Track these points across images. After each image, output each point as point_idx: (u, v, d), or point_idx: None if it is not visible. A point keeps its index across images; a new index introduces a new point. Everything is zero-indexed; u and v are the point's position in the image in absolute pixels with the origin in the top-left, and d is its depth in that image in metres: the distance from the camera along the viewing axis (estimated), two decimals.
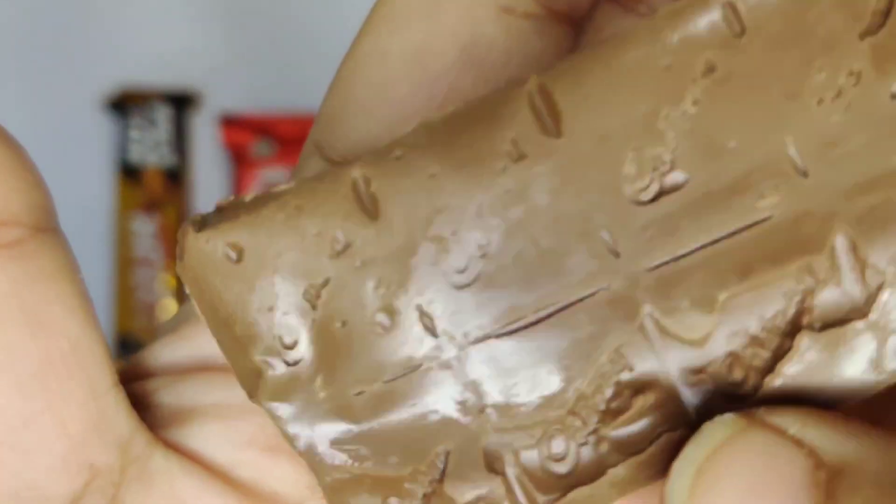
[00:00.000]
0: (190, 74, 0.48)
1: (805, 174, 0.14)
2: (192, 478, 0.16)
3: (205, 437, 0.17)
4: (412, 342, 0.15)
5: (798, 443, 0.13)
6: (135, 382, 0.17)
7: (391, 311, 0.15)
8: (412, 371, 0.15)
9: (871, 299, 0.14)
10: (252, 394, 0.15)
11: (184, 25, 0.48)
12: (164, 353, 0.17)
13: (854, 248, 0.14)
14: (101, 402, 0.16)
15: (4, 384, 0.15)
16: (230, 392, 0.17)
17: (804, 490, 0.13)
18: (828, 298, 0.14)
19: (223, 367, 0.17)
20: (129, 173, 0.48)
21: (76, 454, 0.15)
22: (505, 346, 0.15)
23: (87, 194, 0.49)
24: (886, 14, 0.14)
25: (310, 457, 0.15)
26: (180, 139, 0.49)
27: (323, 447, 0.15)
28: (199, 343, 0.17)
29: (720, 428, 0.14)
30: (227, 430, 0.17)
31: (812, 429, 0.13)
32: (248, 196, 0.15)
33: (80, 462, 0.15)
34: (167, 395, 0.17)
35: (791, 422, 0.14)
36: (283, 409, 0.15)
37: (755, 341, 0.14)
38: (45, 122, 0.47)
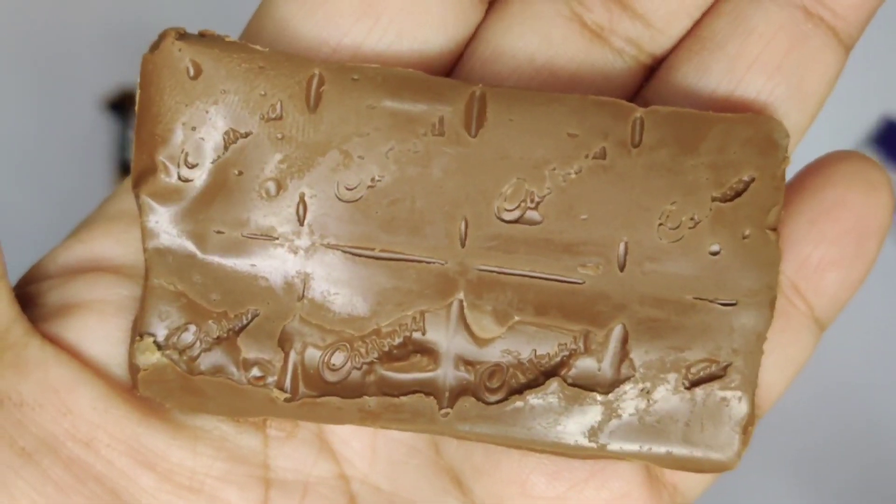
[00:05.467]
0: None
1: (622, 268, 0.17)
2: (66, 368, 0.17)
3: (82, 331, 0.18)
4: (281, 217, 0.17)
5: None
6: (30, 285, 0.18)
7: (280, 185, 0.17)
8: (268, 238, 0.17)
9: (615, 384, 0.17)
10: (137, 184, 0.18)
11: (184, 26, 0.48)
12: (60, 255, 0.18)
13: (625, 341, 0.17)
14: None
15: None
16: (112, 290, 0.18)
17: None
18: (587, 365, 0.18)
19: (111, 267, 0.18)
20: (129, 173, 0.48)
21: None
22: (346, 261, 0.17)
23: (87, 194, 0.49)
24: (738, 195, 0.17)
25: (151, 255, 0.17)
26: None
27: (164, 254, 0.17)
28: (93, 245, 0.18)
29: None
30: (104, 326, 0.18)
31: None
32: (230, 38, 0.17)
33: None
34: (54, 293, 0.18)
35: None
36: (154, 207, 0.17)
37: (520, 366, 0.18)
38: (45, 122, 0.47)
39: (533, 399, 0.17)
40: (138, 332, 0.17)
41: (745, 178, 0.17)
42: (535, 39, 0.18)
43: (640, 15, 0.18)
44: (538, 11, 0.18)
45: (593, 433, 0.17)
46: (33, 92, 0.48)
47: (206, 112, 0.17)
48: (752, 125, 0.17)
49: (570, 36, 0.18)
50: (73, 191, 0.47)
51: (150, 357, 0.17)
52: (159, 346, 0.17)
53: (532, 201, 0.17)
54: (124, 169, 0.48)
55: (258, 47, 0.17)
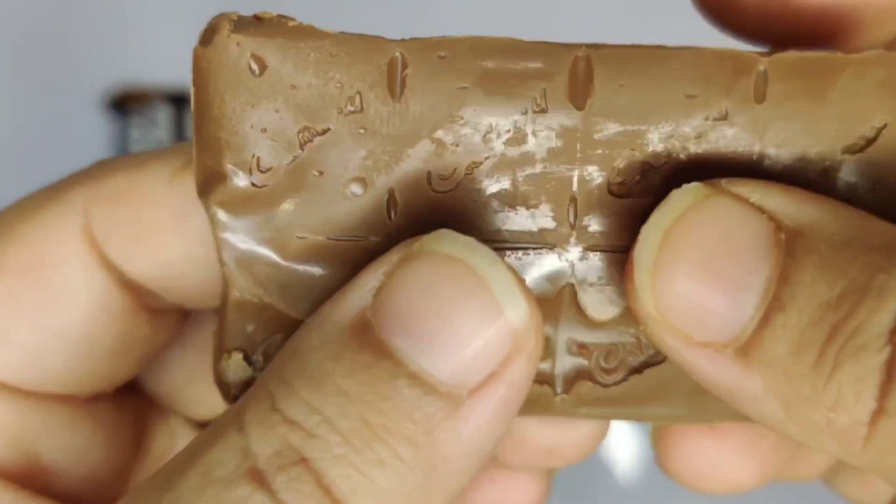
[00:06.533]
0: (190, 74, 0.48)
1: None
2: None
3: None
4: (370, 217, 0.16)
5: (759, 209, 0.14)
6: None
7: (367, 183, 0.15)
8: (355, 240, 0.16)
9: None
10: (203, 193, 0.16)
11: (184, 25, 0.48)
12: None
13: None
14: None
15: None
16: None
17: (766, 250, 0.14)
18: None
19: None
20: None
21: None
22: None
23: None
24: (869, 144, 0.16)
25: (229, 268, 0.16)
26: (180, 139, 0.49)
27: (244, 265, 0.16)
28: None
29: (686, 195, 0.15)
30: None
31: (772, 197, 0.14)
32: (293, 21, 0.15)
33: None
34: None
35: (752, 191, 0.15)
36: (226, 218, 0.16)
37: (638, 344, 0.16)
38: (45, 121, 0.47)
39: (654, 375, 0.16)
40: (224, 348, 0.16)
41: (877, 124, 0.16)
42: None
43: None
44: None
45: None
46: (33, 91, 0.48)
47: (276, 111, 0.15)
48: (885, 65, 0.16)
49: None
50: None
51: (241, 374, 0.16)
52: (249, 361, 0.16)
53: (647, 173, 0.16)
54: None
55: (328, 30, 0.15)
